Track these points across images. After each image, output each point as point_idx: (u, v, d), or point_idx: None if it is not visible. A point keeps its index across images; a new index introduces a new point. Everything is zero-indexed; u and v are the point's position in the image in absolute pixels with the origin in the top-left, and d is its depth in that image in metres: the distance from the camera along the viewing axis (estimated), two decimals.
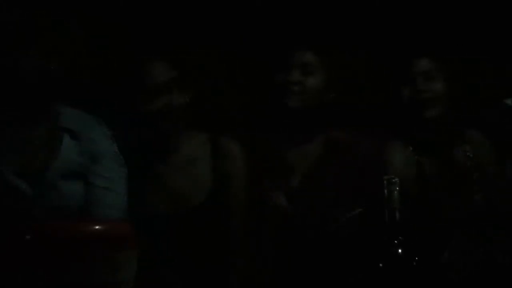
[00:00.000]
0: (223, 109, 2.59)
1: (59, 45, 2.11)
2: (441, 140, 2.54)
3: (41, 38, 2.10)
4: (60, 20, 2.12)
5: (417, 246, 1.75)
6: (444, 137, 2.54)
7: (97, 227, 1.63)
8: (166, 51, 2.38)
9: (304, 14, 2.73)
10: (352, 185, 2.42)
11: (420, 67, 2.52)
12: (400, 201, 1.71)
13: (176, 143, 2.42)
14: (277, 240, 2.41)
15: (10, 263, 1.61)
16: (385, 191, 1.71)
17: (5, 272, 1.60)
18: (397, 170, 2.42)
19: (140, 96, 2.34)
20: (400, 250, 1.73)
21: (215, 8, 2.70)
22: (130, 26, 2.50)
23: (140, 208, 2.25)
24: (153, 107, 2.34)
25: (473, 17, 2.76)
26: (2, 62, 2.10)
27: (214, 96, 2.57)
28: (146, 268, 1.77)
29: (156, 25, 2.61)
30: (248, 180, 2.44)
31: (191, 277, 2.34)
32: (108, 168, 2.20)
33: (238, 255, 2.38)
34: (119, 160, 2.24)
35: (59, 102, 2.20)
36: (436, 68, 2.53)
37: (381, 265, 1.72)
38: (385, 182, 1.71)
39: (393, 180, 1.71)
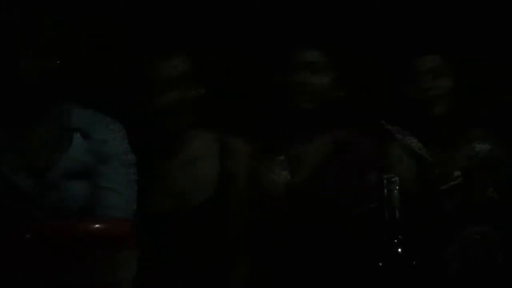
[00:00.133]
0: (225, 109, 2.58)
1: (59, 45, 2.11)
2: (446, 138, 2.54)
3: (41, 38, 2.10)
4: (60, 20, 2.12)
5: (417, 246, 1.75)
6: (449, 135, 2.54)
7: (96, 226, 1.64)
8: (170, 49, 2.39)
9: (304, 14, 2.73)
10: (354, 184, 2.42)
11: (427, 64, 2.53)
12: (400, 200, 1.71)
13: (181, 141, 2.42)
14: (277, 239, 2.41)
15: (10, 263, 1.61)
16: (385, 190, 1.71)
17: (5, 272, 1.61)
18: (399, 168, 2.43)
19: (152, 89, 2.34)
20: (400, 250, 1.73)
21: (215, 8, 2.70)
22: (130, 26, 2.50)
23: (142, 207, 2.25)
24: (165, 100, 2.34)
25: (474, 16, 2.76)
26: (2, 62, 2.11)
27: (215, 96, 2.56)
28: (146, 268, 1.78)
29: (156, 25, 2.61)
30: (253, 180, 2.43)
31: (192, 277, 2.33)
32: (115, 169, 2.19)
33: (239, 255, 2.38)
34: (128, 161, 2.23)
35: (69, 102, 2.20)
36: (443, 66, 2.54)
37: (381, 264, 1.72)
38: (385, 181, 1.71)
39: (393, 179, 1.71)
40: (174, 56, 2.37)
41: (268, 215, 2.42)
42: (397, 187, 1.71)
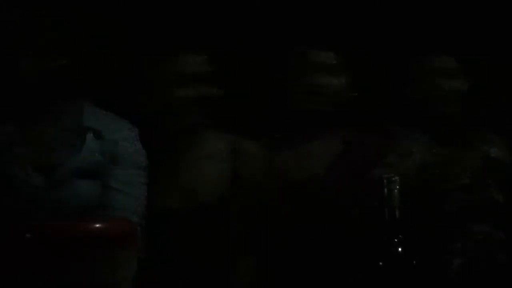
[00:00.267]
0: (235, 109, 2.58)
1: (59, 45, 2.11)
2: (457, 139, 2.55)
3: (41, 38, 2.10)
4: (60, 20, 2.12)
5: (417, 245, 1.75)
6: (460, 136, 2.55)
7: (96, 226, 1.64)
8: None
9: (304, 14, 2.73)
10: (358, 184, 2.42)
11: (441, 63, 2.54)
12: (400, 199, 1.71)
13: (194, 140, 2.42)
14: (277, 239, 2.41)
15: (10, 263, 1.61)
16: (385, 189, 1.71)
17: (5, 272, 1.61)
18: (405, 166, 2.44)
19: (172, 84, 2.34)
20: (400, 249, 1.73)
21: (215, 8, 2.70)
22: (130, 26, 2.50)
23: (149, 205, 2.24)
24: (185, 95, 2.34)
25: (475, 16, 2.77)
26: (2, 62, 2.11)
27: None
28: (147, 267, 1.78)
29: (156, 25, 2.61)
30: (263, 183, 2.44)
31: (192, 277, 2.33)
32: (126, 171, 2.18)
33: (240, 255, 2.39)
34: (139, 163, 2.22)
35: (82, 100, 2.20)
36: (456, 65, 2.54)
37: (381, 263, 1.72)
38: (385, 181, 1.71)
39: (393, 179, 1.71)
40: (195, 53, 2.38)
41: (268, 215, 2.42)
42: (397, 187, 1.71)
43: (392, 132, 2.56)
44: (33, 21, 2.10)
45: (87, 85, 2.18)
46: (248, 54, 2.65)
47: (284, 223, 2.42)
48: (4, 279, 1.60)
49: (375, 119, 2.59)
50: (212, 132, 2.44)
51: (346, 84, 2.50)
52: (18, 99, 2.13)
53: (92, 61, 2.17)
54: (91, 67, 2.17)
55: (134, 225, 1.77)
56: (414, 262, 1.72)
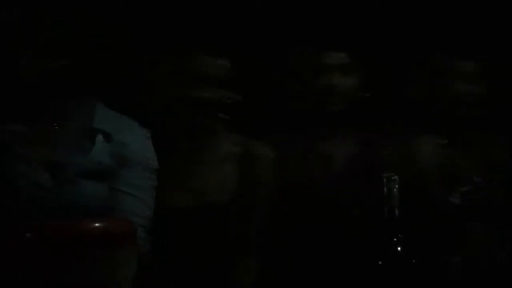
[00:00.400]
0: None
1: (59, 45, 2.11)
2: (473, 139, 2.56)
3: (41, 38, 2.10)
4: (60, 20, 2.12)
5: (416, 244, 1.75)
6: (476, 137, 2.56)
7: (96, 226, 1.64)
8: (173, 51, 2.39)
9: (304, 14, 2.73)
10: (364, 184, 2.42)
11: (462, 67, 2.55)
12: (399, 199, 1.71)
13: (207, 142, 2.42)
14: (277, 239, 2.41)
15: (10, 263, 1.61)
16: (385, 189, 1.72)
17: (5, 272, 1.61)
18: (426, 164, 2.44)
19: (190, 85, 2.34)
20: (399, 248, 1.73)
21: (215, 8, 2.71)
22: (130, 26, 2.50)
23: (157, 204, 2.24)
24: (203, 97, 2.34)
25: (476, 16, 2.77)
26: (2, 62, 2.11)
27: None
28: (148, 267, 1.78)
29: (156, 25, 2.61)
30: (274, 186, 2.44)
31: (194, 277, 2.34)
32: (135, 173, 2.17)
33: (240, 255, 2.39)
34: (149, 166, 2.21)
35: (93, 100, 2.20)
36: (475, 69, 2.55)
37: (380, 262, 1.72)
38: (384, 180, 1.71)
39: (393, 178, 1.71)
40: (218, 56, 2.39)
41: (270, 215, 2.42)
42: (396, 186, 1.71)
43: (397, 131, 2.56)
44: (33, 21, 2.10)
45: (88, 85, 2.18)
46: (251, 54, 2.65)
47: (284, 223, 2.42)
48: (4, 279, 1.60)
49: (381, 119, 2.59)
50: (225, 134, 2.44)
51: (356, 84, 2.50)
52: (18, 99, 2.13)
53: (92, 61, 2.17)
54: (91, 67, 2.17)
55: (134, 225, 1.76)
56: (414, 261, 1.72)
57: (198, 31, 2.58)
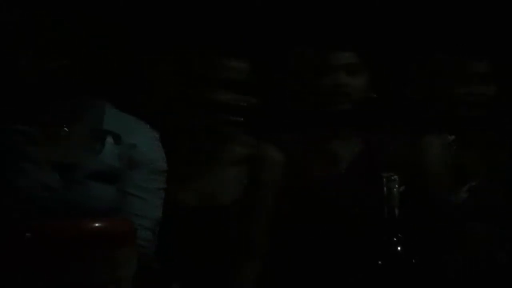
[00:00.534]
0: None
1: (59, 45, 2.11)
2: (474, 139, 2.56)
3: (41, 38, 2.10)
4: (60, 20, 2.12)
5: (416, 244, 1.75)
6: (477, 137, 2.56)
7: (96, 225, 1.64)
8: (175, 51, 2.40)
9: (304, 14, 2.73)
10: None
11: (478, 68, 2.55)
12: (399, 198, 1.71)
13: (217, 143, 2.42)
14: (277, 239, 2.41)
15: (10, 263, 1.61)
16: (384, 188, 1.71)
17: (5, 272, 1.61)
18: (433, 163, 2.44)
19: (210, 88, 2.34)
20: (399, 248, 1.73)
21: (215, 7, 2.70)
22: (130, 26, 2.50)
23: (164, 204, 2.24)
24: (221, 98, 2.34)
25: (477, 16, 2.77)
26: (2, 62, 2.11)
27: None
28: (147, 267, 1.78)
29: (156, 25, 2.61)
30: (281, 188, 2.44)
31: (192, 277, 2.34)
32: (143, 176, 2.17)
33: (240, 255, 2.39)
34: (158, 169, 2.21)
35: (103, 101, 2.19)
36: (490, 71, 2.56)
37: (380, 262, 1.72)
38: (384, 179, 1.71)
39: (393, 178, 1.71)
40: (239, 59, 2.39)
41: (270, 215, 2.43)
42: (396, 186, 1.71)
43: (398, 131, 2.56)
44: (33, 21, 2.10)
45: (88, 85, 2.18)
46: (251, 55, 2.65)
47: (284, 223, 2.42)
48: (4, 279, 1.60)
49: (383, 119, 2.59)
50: (238, 136, 2.44)
51: (361, 84, 2.50)
52: (21, 99, 2.13)
53: (92, 61, 2.17)
54: (91, 67, 2.17)
55: (134, 224, 1.76)
56: (414, 261, 1.72)
57: (198, 31, 2.58)
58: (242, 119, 2.39)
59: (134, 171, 2.16)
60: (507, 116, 2.65)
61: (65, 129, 2.14)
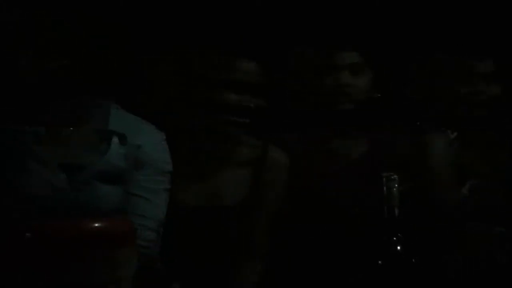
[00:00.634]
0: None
1: (59, 45, 2.11)
2: (484, 140, 2.56)
3: (41, 38, 2.10)
4: (60, 20, 2.11)
5: (416, 244, 1.75)
6: (487, 138, 2.56)
7: (96, 225, 1.64)
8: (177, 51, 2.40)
9: (304, 14, 2.73)
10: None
11: (482, 68, 2.55)
12: (399, 198, 1.71)
13: (226, 144, 2.42)
14: (277, 239, 2.41)
15: (10, 263, 1.61)
16: (384, 188, 1.71)
17: (5, 272, 1.61)
18: (438, 161, 2.44)
19: (214, 87, 2.34)
20: (399, 248, 1.73)
21: (215, 7, 2.70)
22: (130, 26, 2.50)
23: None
24: (226, 99, 2.35)
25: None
26: (2, 62, 2.11)
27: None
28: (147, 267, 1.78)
29: (156, 25, 2.61)
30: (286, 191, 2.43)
31: (192, 277, 2.34)
32: (149, 177, 2.18)
33: (240, 255, 2.39)
34: (163, 170, 2.21)
35: (108, 101, 2.19)
36: (490, 71, 2.56)
37: (380, 262, 1.72)
38: (384, 179, 1.71)
39: (392, 177, 1.71)
40: (246, 60, 2.39)
41: (271, 216, 2.43)
42: (396, 185, 1.71)
43: (399, 131, 2.56)
44: (33, 21, 2.10)
45: (88, 85, 2.18)
46: (252, 55, 2.65)
47: (284, 223, 2.42)
48: (4, 279, 1.60)
49: (384, 118, 2.59)
50: (242, 137, 2.44)
51: (366, 83, 2.50)
52: (21, 99, 2.13)
53: (92, 61, 2.17)
54: (91, 67, 2.17)
55: (134, 224, 1.76)
56: (413, 261, 1.72)
57: (198, 31, 2.58)
58: (247, 120, 2.39)
59: (139, 172, 2.17)
60: (507, 116, 2.65)
61: (71, 129, 2.14)
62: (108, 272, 1.62)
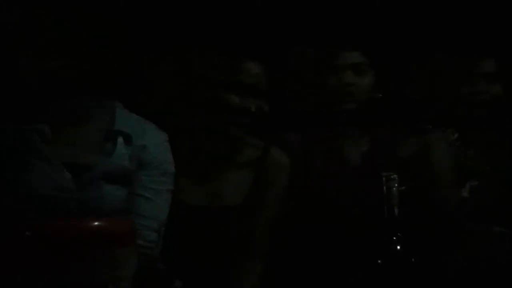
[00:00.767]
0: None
1: (59, 45, 2.11)
2: (484, 140, 2.56)
3: (41, 38, 2.10)
4: (60, 20, 2.12)
5: (416, 243, 1.75)
6: (487, 138, 2.56)
7: (96, 225, 1.64)
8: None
9: (304, 14, 2.73)
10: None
11: (484, 68, 2.55)
12: (399, 198, 1.71)
13: (230, 145, 2.42)
14: (277, 239, 2.41)
15: (10, 263, 1.61)
16: (384, 187, 1.71)
17: (5, 272, 1.61)
18: (438, 161, 2.44)
19: (216, 87, 2.34)
20: (399, 247, 1.73)
21: (215, 7, 2.71)
22: (130, 26, 2.50)
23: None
24: (247, 106, 2.35)
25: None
26: (2, 62, 2.11)
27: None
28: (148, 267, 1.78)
29: (156, 25, 2.61)
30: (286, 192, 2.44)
31: (192, 277, 2.34)
32: (152, 177, 2.18)
33: (240, 255, 2.39)
34: (166, 171, 2.21)
35: (113, 101, 2.19)
36: (489, 70, 2.56)
37: (379, 262, 1.72)
38: (383, 178, 1.71)
39: (392, 177, 1.71)
40: (250, 62, 2.39)
41: (272, 217, 2.43)
42: (396, 185, 1.71)
43: (399, 131, 2.56)
44: (33, 21, 2.10)
45: (89, 85, 2.18)
46: (252, 55, 2.65)
47: (284, 223, 2.42)
48: (4, 279, 1.60)
49: (384, 118, 2.59)
50: (244, 137, 2.44)
51: (368, 83, 2.50)
52: (19, 99, 2.13)
53: (92, 61, 2.17)
54: (91, 67, 2.17)
55: (134, 224, 1.76)
56: (413, 260, 1.72)
57: (198, 31, 2.58)
58: (248, 120, 2.39)
59: (143, 172, 2.17)
60: (507, 116, 2.65)
61: (76, 128, 2.14)
62: (108, 272, 1.62)
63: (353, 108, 2.45)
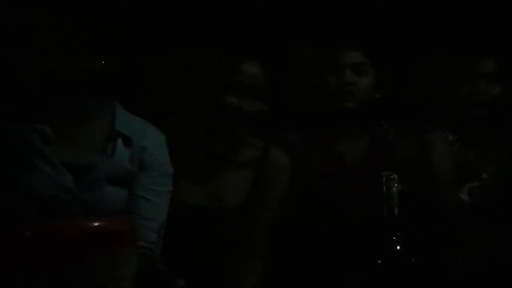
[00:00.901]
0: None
1: (59, 45, 2.11)
2: (484, 140, 2.56)
3: (41, 38, 2.10)
4: (60, 20, 2.12)
5: (416, 243, 1.75)
6: (487, 138, 2.56)
7: (96, 225, 1.64)
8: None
9: (304, 13, 2.73)
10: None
11: (484, 68, 2.55)
12: (399, 197, 1.71)
13: (230, 146, 2.42)
14: (277, 239, 2.41)
15: (10, 262, 1.61)
16: (384, 187, 1.71)
17: (5, 272, 1.61)
18: (438, 161, 2.45)
19: (227, 92, 2.35)
20: (398, 247, 1.73)
21: (215, 7, 2.71)
22: (130, 26, 2.50)
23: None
24: (247, 107, 2.35)
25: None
26: (2, 62, 2.11)
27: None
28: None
29: (156, 25, 2.61)
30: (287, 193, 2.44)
31: (192, 277, 2.33)
32: (152, 178, 2.18)
33: (240, 255, 2.39)
34: (165, 172, 2.22)
35: (114, 102, 2.19)
36: (497, 70, 2.56)
37: (379, 261, 1.72)
38: (383, 178, 1.71)
39: (392, 177, 1.71)
40: (250, 63, 2.39)
41: (272, 217, 2.43)
42: (395, 185, 1.71)
43: (399, 131, 2.56)
44: (33, 21, 2.10)
45: (89, 85, 2.18)
46: (252, 54, 2.65)
47: (284, 223, 2.42)
48: (4, 279, 1.60)
49: (384, 118, 2.59)
50: (244, 137, 2.44)
51: (368, 83, 2.50)
52: (18, 99, 2.13)
53: (92, 61, 2.17)
54: (92, 67, 2.17)
55: (134, 224, 1.77)
56: (413, 260, 1.72)
57: (198, 31, 2.58)
58: (248, 120, 2.39)
59: (144, 174, 2.17)
60: (507, 116, 2.65)
61: (78, 128, 2.14)
62: (108, 272, 1.62)
63: (353, 108, 2.45)
